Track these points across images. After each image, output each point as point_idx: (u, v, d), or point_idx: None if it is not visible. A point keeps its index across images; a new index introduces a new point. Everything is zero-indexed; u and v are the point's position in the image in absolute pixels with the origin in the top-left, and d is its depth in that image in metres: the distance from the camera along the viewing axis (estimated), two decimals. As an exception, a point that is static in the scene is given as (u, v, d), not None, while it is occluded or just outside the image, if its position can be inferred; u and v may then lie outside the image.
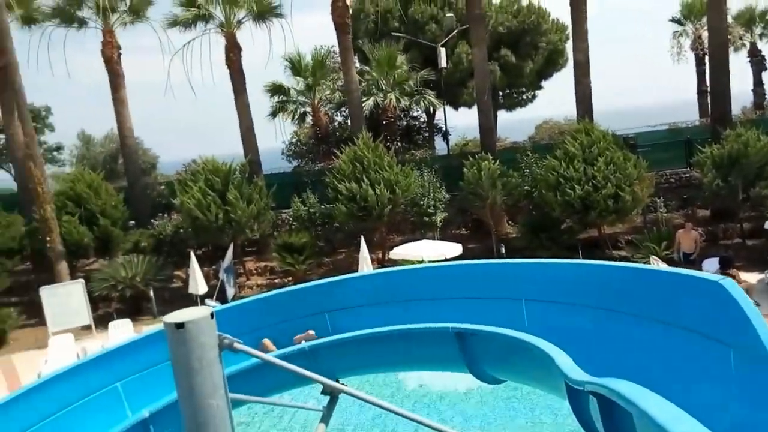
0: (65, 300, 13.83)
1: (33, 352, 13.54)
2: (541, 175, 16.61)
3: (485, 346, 5.87)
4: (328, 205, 18.09)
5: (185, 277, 18.20)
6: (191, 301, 14.29)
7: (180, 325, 3.26)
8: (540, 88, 30.75)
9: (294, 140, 26.67)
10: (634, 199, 15.46)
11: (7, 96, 19.31)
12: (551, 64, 28.67)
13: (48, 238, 16.54)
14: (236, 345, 3.62)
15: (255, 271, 18.74)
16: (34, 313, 15.50)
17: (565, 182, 15.49)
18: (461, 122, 30.10)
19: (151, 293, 16.11)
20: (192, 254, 15.02)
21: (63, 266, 16.69)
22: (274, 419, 9.01)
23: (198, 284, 14.44)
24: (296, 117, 26.11)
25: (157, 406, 5.83)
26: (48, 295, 13.77)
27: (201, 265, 15.32)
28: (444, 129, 26.55)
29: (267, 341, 6.22)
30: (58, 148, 34.62)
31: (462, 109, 29.19)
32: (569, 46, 24.21)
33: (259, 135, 20.52)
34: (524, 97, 31.02)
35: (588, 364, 4.30)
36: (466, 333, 6.02)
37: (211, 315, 3.48)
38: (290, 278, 17.38)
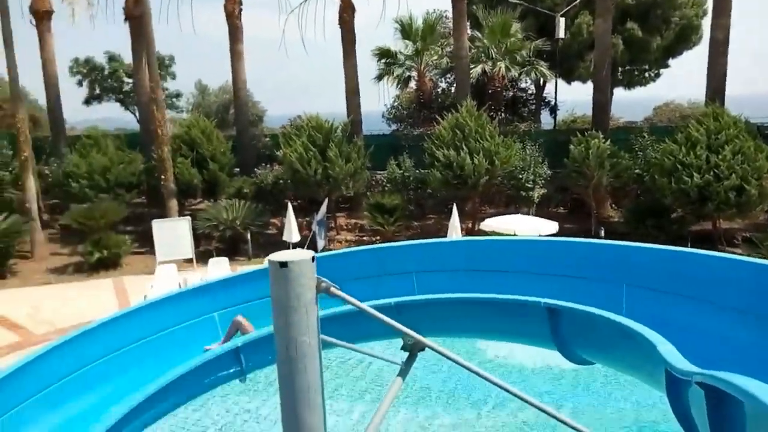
0: (173, 234, 14.90)
1: (141, 277, 14.81)
2: (657, 159, 15.41)
3: (578, 326, 5.60)
4: (423, 171, 18.01)
5: (280, 225, 19.00)
6: (284, 247, 14.86)
7: (283, 264, 3.37)
8: (666, 66, 28.29)
9: (395, 104, 26.64)
10: (761, 194, 13.97)
11: (139, 44, 20.79)
12: (682, 40, 26.18)
13: (163, 177, 17.84)
14: (332, 290, 3.66)
15: (345, 227, 19.17)
16: (145, 243, 16.90)
17: (682, 169, 14.27)
18: (571, 98, 28.56)
19: (248, 236, 16.96)
20: (289, 204, 15.54)
21: (173, 203, 17.98)
22: (350, 368, 9.27)
23: (292, 233, 14.98)
24: (400, 81, 26.02)
25: (248, 338, 6.16)
26: (158, 227, 14.89)
27: (296, 216, 15.86)
28: (553, 103, 25.30)
29: (241, 317, 6.44)
30: (177, 95, 36.99)
31: (575, 84, 27.62)
32: (706, 22, 21.98)
33: (362, 96, 20.69)
34: (646, 75, 28.71)
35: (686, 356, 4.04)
36: (559, 310, 5.76)
37: (312, 259, 3.55)
38: (378, 237, 17.63)
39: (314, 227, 16.08)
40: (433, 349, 3.61)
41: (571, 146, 16.52)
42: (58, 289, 14.51)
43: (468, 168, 15.72)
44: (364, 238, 18.12)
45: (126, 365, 5.95)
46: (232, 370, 6.11)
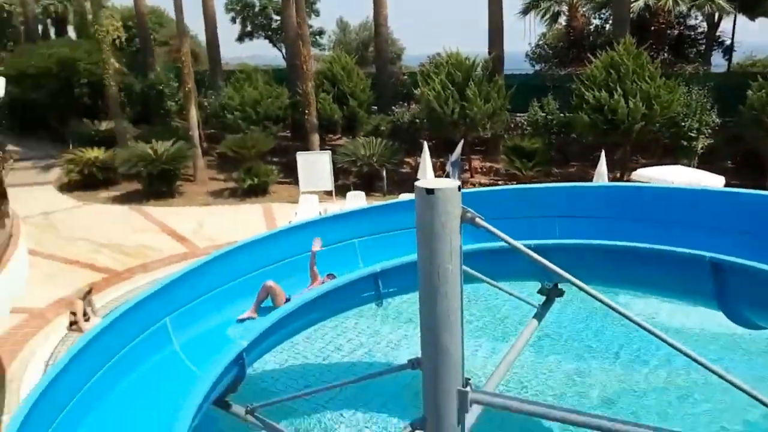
0: (314, 166, 15.69)
1: (286, 205, 15.90)
2: None
3: (750, 285, 4.96)
4: (568, 114, 16.85)
5: (414, 164, 19.10)
6: (418, 187, 14.93)
7: (430, 191, 3.34)
8: None
9: (541, 42, 24.94)
10: None
11: (287, -22, 21.39)
12: None
13: (306, 111, 18.63)
14: (477, 220, 3.56)
15: (479, 170, 18.77)
16: (289, 174, 17.99)
17: None
18: (752, 39, 24.58)
19: (384, 173, 17.30)
20: (425, 144, 15.49)
21: (315, 138, 18.81)
22: (483, 305, 9.28)
23: (427, 172, 14.97)
24: (548, 16, 24.18)
25: (386, 265, 6.32)
26: (302, 159, 15.75)
27: (430, 156, 15.78)
28: (728, 42, 22.04)
29: (272, 283, 6.07)
30: (320, 33, 37.85)
31: (760, 20, 23.62)
32: None
33: (504, 35, 19.56)
34: None
35: None
36: (727, 265, 5.13)
37: (458, 187, 3.45)
38: (514, 182, 17.04)
39: (448, 168, 15.89)
40: (584, 290, 3.39)
41: (749, 92, 14.38)
42: (216, 210, 16.10)
43: (621, 112, 14.39)
44: (499, 182, 17.63)
45: (275, 280, 6.42)
46: (369, 294, 6.36)
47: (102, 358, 4.63)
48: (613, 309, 3.32)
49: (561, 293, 6.65)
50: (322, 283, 6.35)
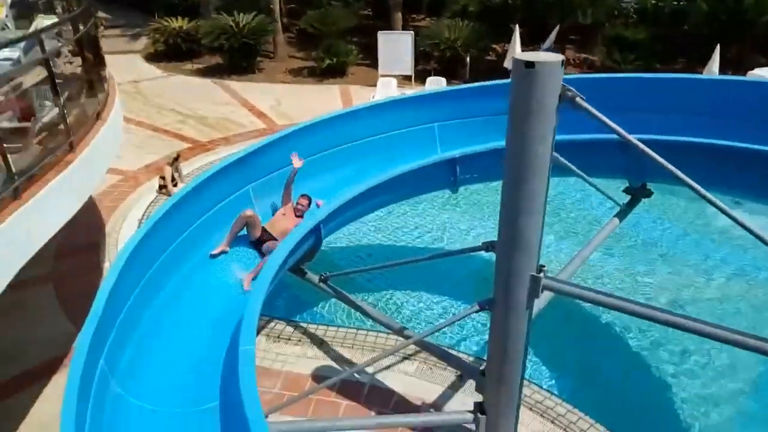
0: (395, 47, 15.05)
1: (364, 88, 15.59)
2: None
3: None
4: (683, 2, 14.93)
5: (500, 51, 17.98)
6: (504, 74, 14.11)
7: (530, 64, 3.04)
8: None
9: None
10: None
11: None
12: None
13: (391, -13, 17.58)
14: (578, 100, 3.26)
15: (572, 62, 17.39)
16: (367, 56, 17.41)
17: None
18: None
19: (467, 60, 16.40)
20: (516, 28, 14.37)
21: (398, 16, 17.89)
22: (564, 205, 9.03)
23: (514, 60, 14.05)
24: None
25: (465, 151, 6.13)
26: (383, 39, 15.11)
27: (520, 43, 14.69)
28: None
29: (250, 212, 5.30)
30: None
31: None
32: None
33: None
34: None
35: None
36: None
37: (562, 63, 3.10)
38: (609, 78, 15.73)
39: (538, 57, 14.81)
40: (686, 184, 3.11)
41: None
42: (295, 89, 16.06)
43: (748, 0, 12.56)
44: (592, 76, 16.33)
45: (352, 157, 6.41)
46: (446, 180, 6.25)
47: (189, 218, 4.90)
48: (718, 207, 3.05)
49: (649, 194, 6.26)
50: (296, 206, 5.78)
